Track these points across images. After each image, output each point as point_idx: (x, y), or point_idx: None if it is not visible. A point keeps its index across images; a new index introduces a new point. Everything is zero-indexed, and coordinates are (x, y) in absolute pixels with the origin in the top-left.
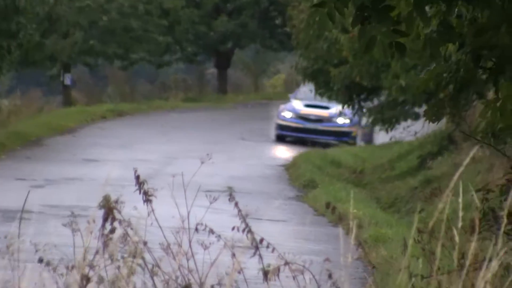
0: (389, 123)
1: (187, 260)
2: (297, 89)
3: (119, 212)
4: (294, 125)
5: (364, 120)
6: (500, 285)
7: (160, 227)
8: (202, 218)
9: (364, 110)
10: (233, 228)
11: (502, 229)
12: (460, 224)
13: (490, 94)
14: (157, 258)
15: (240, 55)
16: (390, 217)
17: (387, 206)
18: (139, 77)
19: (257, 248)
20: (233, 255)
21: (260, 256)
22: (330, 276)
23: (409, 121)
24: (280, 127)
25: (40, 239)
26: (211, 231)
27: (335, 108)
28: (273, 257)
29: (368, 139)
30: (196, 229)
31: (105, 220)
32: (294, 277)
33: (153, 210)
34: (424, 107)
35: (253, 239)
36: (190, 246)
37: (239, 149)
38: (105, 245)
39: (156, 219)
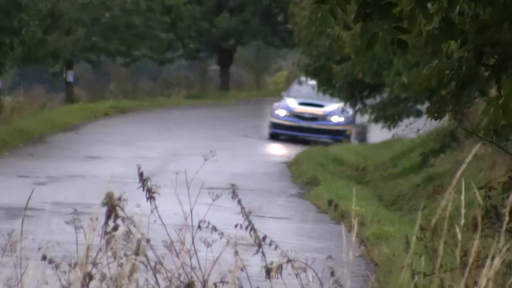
0: (391, 120)
1: (190, 257)
2: (290, 87)
3: (122, 209)
4: (288, 123)
5: (358, 119)
6: (502, 282)
7: (163, 224)
8: (205, 216)
9: (366, 107)
10: (236, 226)
11: (504, 226)
12: (462, 221)
13: (493, 91)
14: (160, 255)
15: (242, 52)
16: (392, 214)
17: (389, 204)
18: (141, 74)
19: (259, 245)
20: (236, 252)
21: (263, 254)
22: (332, 273)
23: (411, 118)
24: (274, 125)
25: (43, 236)
26: (214, 229)
27: (329, 106)
28: (275, 254)
29: (362, 137)
30: (199, 227)
31: (108, 217)
32: (296, 275)
33: (156, 207)
34: (426, 104)
35: (256, 236)
36: (193, 243)
37: (242, 146)
38: (108, 242)
39: (160, 216)
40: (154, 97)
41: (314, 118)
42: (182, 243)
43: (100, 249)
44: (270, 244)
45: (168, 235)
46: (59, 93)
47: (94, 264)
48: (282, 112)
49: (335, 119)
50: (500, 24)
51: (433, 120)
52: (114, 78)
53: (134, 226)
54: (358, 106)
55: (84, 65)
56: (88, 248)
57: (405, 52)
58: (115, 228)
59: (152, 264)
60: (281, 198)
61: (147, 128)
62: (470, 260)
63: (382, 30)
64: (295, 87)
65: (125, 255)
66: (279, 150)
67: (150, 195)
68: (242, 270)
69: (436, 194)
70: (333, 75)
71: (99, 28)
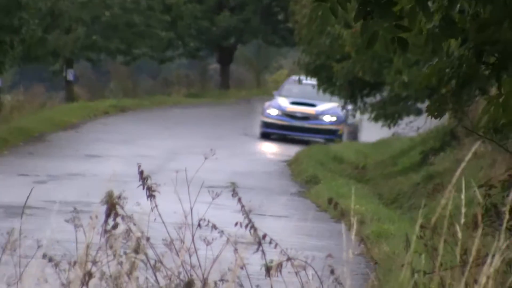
0: (392, 118)
1: (190, 256)
2: (281, 86)
3: (122, 207)
4: (280, 122)
5: (350, 118)
6: (502, 281)
7: (163, 222)
8: (205, 214)
9: (366, 105)
10: (236, 224)
11: (504, 224)
12: (462, 220)
13: (493, 90)
14: (160, 253)
15: (242, 51)
16: (392, 213)
17: (390, 202)
18: (141, 73)
19: (259, 244)
20: (236, 250)
21: (263, 252)
22: (332, 272)
23: (412, 117)
24: (266, 124)
25: (43, 234)
26: (214, 227)
27: (322, 105)
28: (275, 253)
29: (354, 137)
30: (199, 225)
31: (107, 215)
32: (296, 273)
33: (156, 206)
34: (427, 103)
35: (256, 235)
36: (193, 241)
37: (242, 144)
38: (108, 240)
39: (160, 215)
40: (154, 95)
41: (306, 117)
42: (182, 241)
43: (100, 248)
44: (270, 243)
45: (168, 233)
46: (59, 92)
47: (94, 262)
48: (273, 111)
49: (327, 118)
50: (501, 22)
51: (433, 118)
52: (114, 77)
53: (134, 224)
54: (358, 104)
55: (84, 63)
56: (88, 247)
57: (406, 50)
58: (115, 226)
59: (152, 262)
60: (282, 197)
61: (147, 127)
62: (470, 258)
63: (383, 28)
64: (286, 86)
65: (125, 253)
66: (279, 149)
67: (150, 194)
68: (242, 268)
69: (436, 193)
70: (333, 74)
71: (99, 27)
